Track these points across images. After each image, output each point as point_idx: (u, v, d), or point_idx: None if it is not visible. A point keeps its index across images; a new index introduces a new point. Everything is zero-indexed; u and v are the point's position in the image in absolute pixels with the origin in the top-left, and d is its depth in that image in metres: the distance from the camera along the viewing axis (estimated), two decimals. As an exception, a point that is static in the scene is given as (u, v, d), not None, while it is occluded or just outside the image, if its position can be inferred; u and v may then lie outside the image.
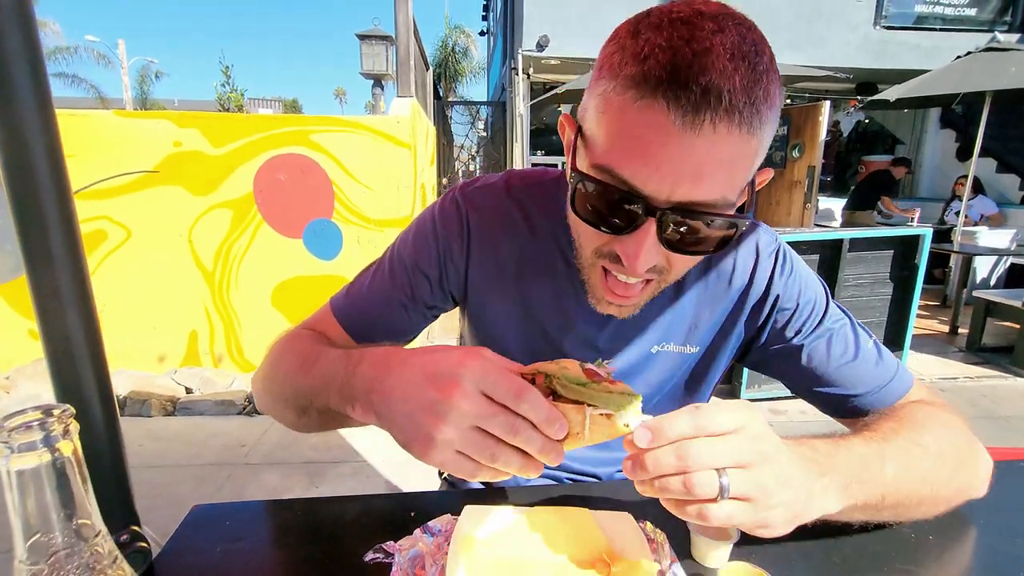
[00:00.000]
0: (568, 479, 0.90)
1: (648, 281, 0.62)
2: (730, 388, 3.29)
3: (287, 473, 2.50)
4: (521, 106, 8.19)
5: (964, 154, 7.66)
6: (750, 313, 0.77)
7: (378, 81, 4.70)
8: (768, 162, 0.57)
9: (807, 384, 0.77)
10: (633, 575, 0.60)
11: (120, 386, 3.23)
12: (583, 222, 0.57)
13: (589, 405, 0.46)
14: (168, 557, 0.66)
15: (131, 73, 23.66)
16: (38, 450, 0.34)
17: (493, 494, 0.78)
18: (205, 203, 3.44)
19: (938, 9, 7.93)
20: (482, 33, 15.84)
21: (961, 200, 5.25)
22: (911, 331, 3.53)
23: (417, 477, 2.43)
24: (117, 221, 3.39)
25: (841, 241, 3.31)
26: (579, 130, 0.57)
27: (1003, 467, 0.72)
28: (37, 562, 0.35)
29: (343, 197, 3.53)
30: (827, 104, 4.86)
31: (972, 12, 8.00)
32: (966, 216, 5.19)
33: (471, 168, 12.81)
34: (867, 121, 9.63)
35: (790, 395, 0.83)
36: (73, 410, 0.36)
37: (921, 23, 7.98)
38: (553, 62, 8.08)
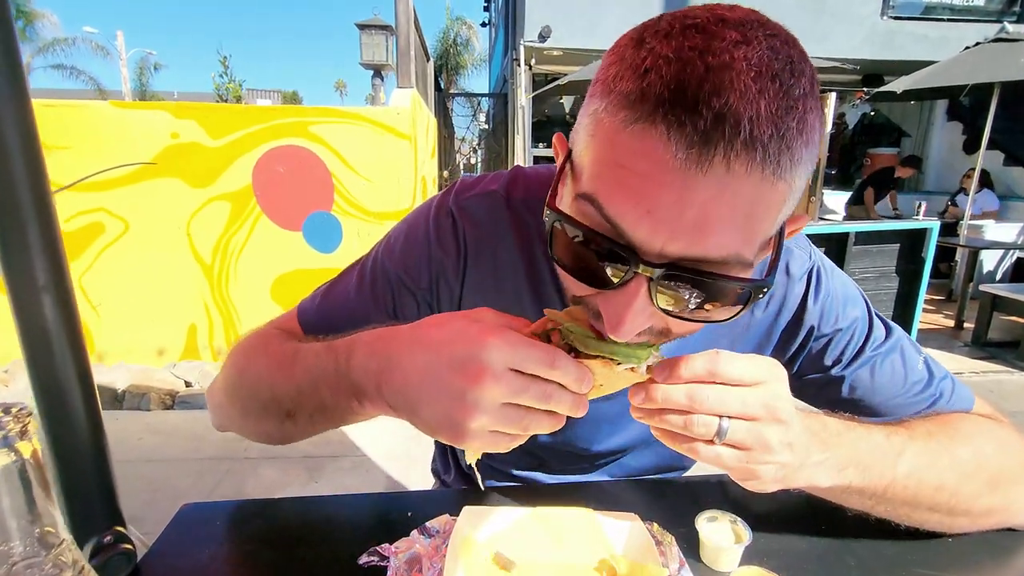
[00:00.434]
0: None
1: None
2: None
3: (286, 468, 2.48)
4: (523, 98, 8.12)
5: (971, 147, 7.58)
6: (779, 343, 0.70)
7: (378, 72, 4.65)
8: None
9: (850, 413, 0.71)
10: (639, 580, 0.58)
11: (119, 380, 3.22)
12: (561, 268, 0.46)
13: (613, 360, 0.45)
14: (154, 559, 0.64)
15: (130, 65, 23.55)
16: (-6, 452, 0.31)
17: (493, 494, 0.75)
18: (203, 195, 3.41)
19: (946, -1, 7.84)
20: (484, 24, 15.72)
21: (967, 194, 5.20)
22: (917, 325, 3.50)
23: (418, 472, 2.41)
24: (115, 213, 3.37)
25: (847, 235, 3.28)
26: (569, 155, 0.47)
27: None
28: (-7, 574, 0.32)
29: (343, 189, 3.49)
30: (833, 96, 4.79)
31: (981, 2, 7.89)
32: (955, 206, 5.13)
33: (472, 161, 12.75)
34: (873, 113, 9.53)
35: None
36: (31, 409, 0.33)
37: (929, 13, 7.88)
38: (555, 53, 8.01)
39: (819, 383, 0.70)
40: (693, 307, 0.42)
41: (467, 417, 0.43)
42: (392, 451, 2.62)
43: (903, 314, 3.53)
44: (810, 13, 7.53)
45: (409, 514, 0.67)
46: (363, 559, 0.60)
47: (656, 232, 0.38)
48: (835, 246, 3.30)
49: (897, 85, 5.17)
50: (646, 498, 0.75)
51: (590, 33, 7.56)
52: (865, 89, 7.76)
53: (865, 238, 3.34)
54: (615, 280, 0.41)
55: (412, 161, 3.63)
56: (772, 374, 0.48)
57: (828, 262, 0.70)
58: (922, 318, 3.69)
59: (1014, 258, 5.40)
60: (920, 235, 3.40)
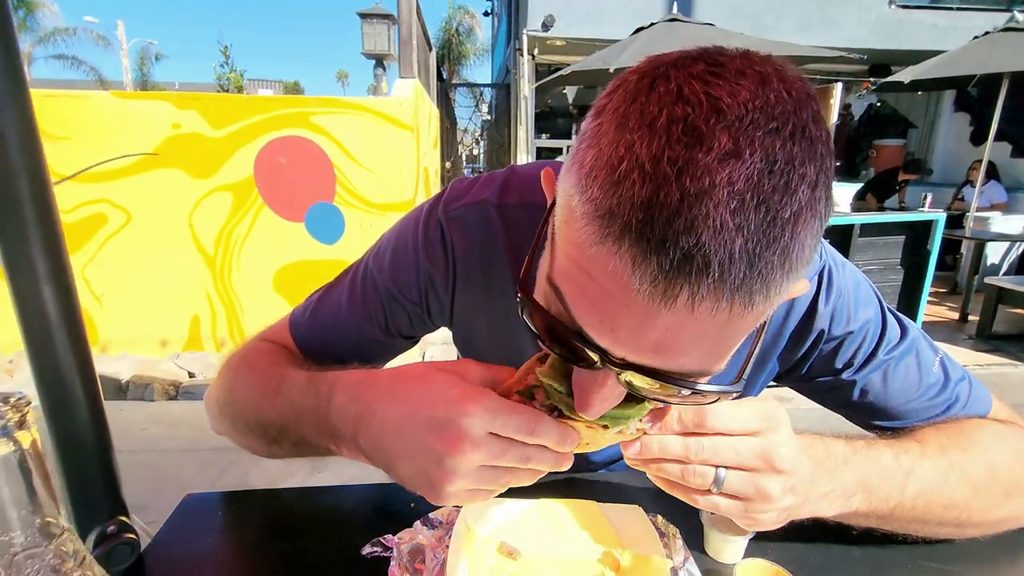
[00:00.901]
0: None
1: None
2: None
3: (289, 459, 2.49)
4: (526, 88, 8.06)
5: (979, 138, 7.51)
6: (788, 344, 0.67)
7: (380, 62, 4.62)
8: None
9: (860, 418, 0.69)
10: (644, 571, 0.58)
11: (123, 370, 3.24)
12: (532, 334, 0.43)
13: (599, 424, 0.44)
14: (158, 548, 0.64)
15: (131, 55, 23.44)
16: (-8, 442, 0.31)
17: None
18: (205, 186, 3.41)
19: (956, -14, 7.73)
20: (486, 13, 15.57)
21: (974, 185, 5.15)
22: (921, 318, 3.49)
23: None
24: (117, 204, 3.36)
25: (852, 227, 3.26)
26: (553, 206, 0.42)
27: None
28: (-6, 564, 0.32)
29: (345, 180, 3.48)
30: (839, 86, 4.74)
31: (990, -10, 7.79)
32: (962, 200, 5.09)
33: (475, 152, 12.70)
34: (879, 104, 9.44)
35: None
36: (30, 399, 0.32)
37: (938, 2, 7.78)
38: (559, 43, 7.94)
39: (830, 386, 0.68)
40: (665, 397, 0.40)
41: (444, 480, 0.43)
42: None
43: (908, 307, 3.51)
44: (816, 1, 7.44)
45: (412, 505, 0.67)
46: (366, 550, 0.60)
47: (617, 347, 0.36)
48: (840, 238, 3.28)
49: (904, 75, 5.11)
50: (650, 491, 0.75)
51: (594, 22, 7.49)
52: (872, 79, 7.69)
53: (870, 230, 3.31)
54: (583, 365, 0.39)
55: (414, 152, 3.61)
56: (769, 421, 0.47)
57: (840, 258, 0.67)
58: (926, 311, 3.67)
59: (1020, 251, 5.36)
60: (925, 227, 3.38)
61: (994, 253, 5.29)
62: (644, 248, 0.32)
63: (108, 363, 3.29)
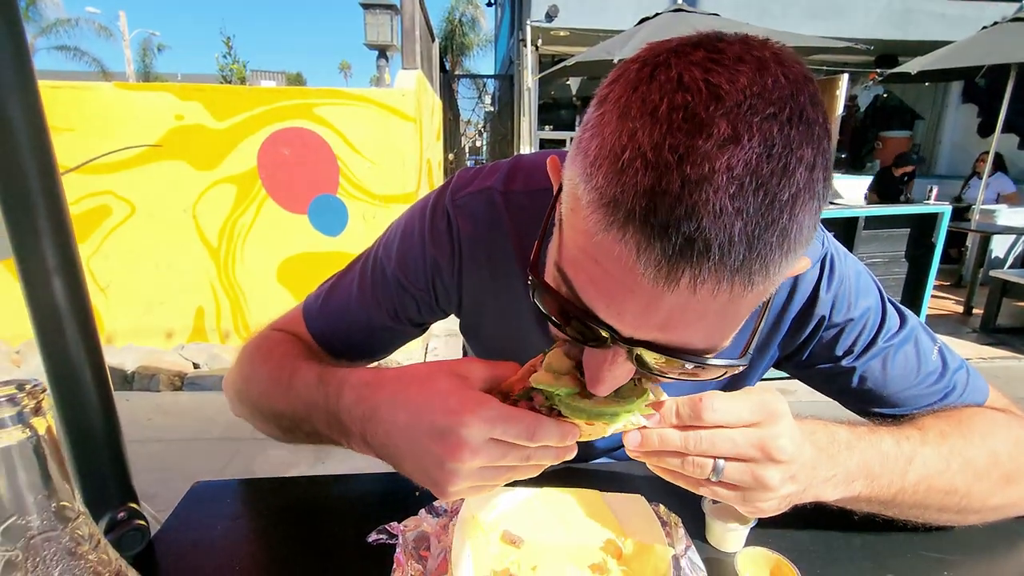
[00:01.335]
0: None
1: None
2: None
3: (294, 448, 2.50)
4: (529, 79, 8.01)
5: (986, 130, 7.43)
6: (789, 330, 0.68)
7: (382, 52, 4.60)
8: None
9: (859, 405, 0.70)
10: (646, 559, 0.58)
11: (128, 361, 3.26)
12: (543, 318, 0.45)
13: (601, 424, 0.45)
14: (168, 534, 0.65)
15: (133, 46, 23.37)
16: (9, 428, 0.31)
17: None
18: (209, 178, 3.41)
19: (965, -24, 7.61)
20: (489, 4, 15.43)
21: (981, 177, 5.11)
22: (925, 311, 3.48)
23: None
24: (121, 196, 3.37)
25: (856, 219, 3.24)
26: (560, 192, 0.43)
27: None
28: (12, 547, 0.32)
29: (348, 172, 3.48)
30: (845, 77, 4.68)
31: (1000, -20, 7.67)
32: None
33: (478, 144, 12.64)
34: (886, 95, 9.34)
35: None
36: (45, 385, 0.33)
37: (946, -9, 7.67)
38: (563, 34, 7.88)
39: (829, 372, 0.69)
40: (673, 371, 0.41)
41: (447, 482, 0.45)
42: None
43: (912, 299, 3.50)
44: (824, -9, 7.34)
45: (417, 493, 0.67)
46: (372, 537, 0.61)
47: (624, 327, 0.38)
48: (844, 230, 3.26)
49: (911, 66, 5.05)
50: (652, 480, 0.75)
51: (598, 13, 7.42)
52: (878, 70, 7.60)
53: (875, 222, 3.30)
54: (593, 344, 0.41)
55: (417, 143, 3.60)
56: (767, 412, 0.47)
57: (841, 248, 0.68)
58: (931, 304, 3.66)
59: (1025, 244, 5.33)
60: (931, 220, 3.36)
61: (999, 246, 5.25)
62: (648, 234, 0.33)
63: (114, 354, 3.32)
